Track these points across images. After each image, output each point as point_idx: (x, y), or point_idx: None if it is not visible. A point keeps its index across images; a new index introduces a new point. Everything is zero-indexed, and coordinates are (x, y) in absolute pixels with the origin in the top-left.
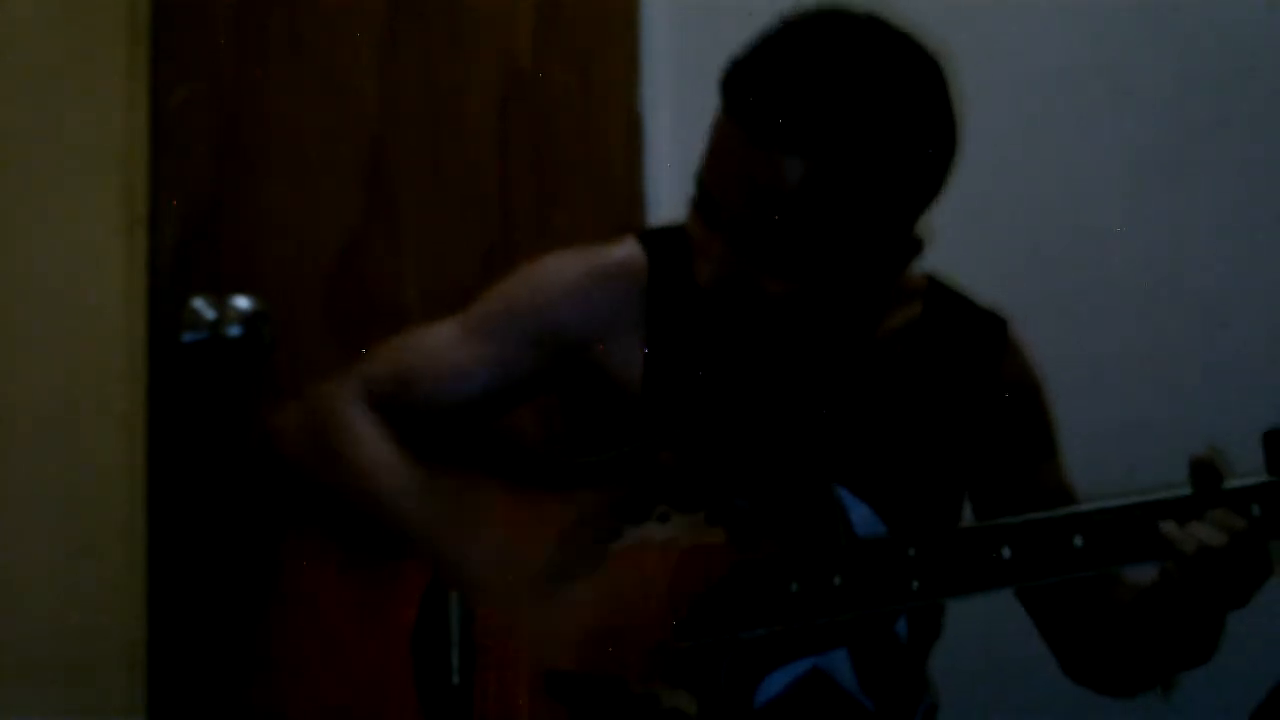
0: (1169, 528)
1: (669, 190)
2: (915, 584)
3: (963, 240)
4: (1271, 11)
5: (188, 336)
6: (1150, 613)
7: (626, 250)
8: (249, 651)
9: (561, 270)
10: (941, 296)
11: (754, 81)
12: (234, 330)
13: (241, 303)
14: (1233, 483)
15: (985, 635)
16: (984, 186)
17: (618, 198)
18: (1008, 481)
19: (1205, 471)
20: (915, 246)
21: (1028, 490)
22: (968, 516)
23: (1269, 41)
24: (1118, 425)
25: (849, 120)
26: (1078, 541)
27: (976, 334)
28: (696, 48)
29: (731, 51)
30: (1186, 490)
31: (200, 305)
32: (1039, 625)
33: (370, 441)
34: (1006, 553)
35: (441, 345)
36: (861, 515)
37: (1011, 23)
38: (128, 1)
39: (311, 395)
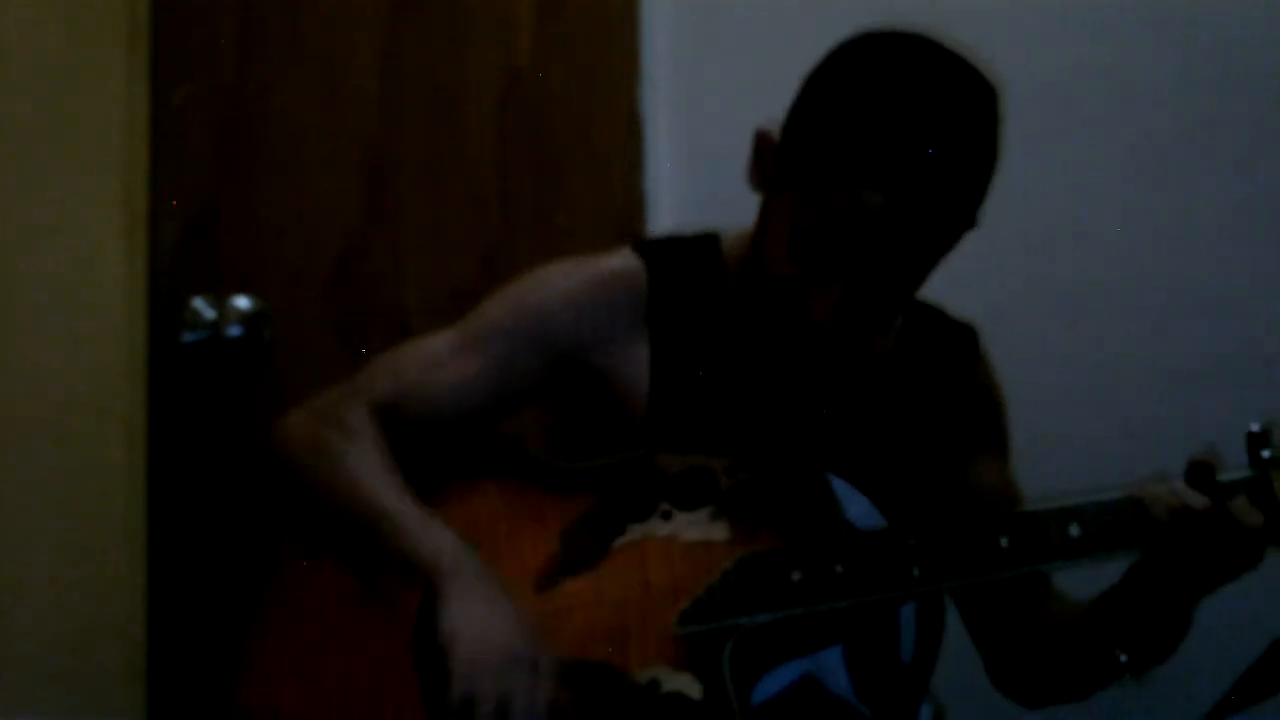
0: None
1: (669, 190)
2: (916, 571)
3: (962, 240)
4: (1271, 11)
5: (188, 336)
6: (1127, 595)
7: (623, 260)
8: (249, 651)
9: (559, 279)
10: (918, 307)
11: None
12: (234, 330)
13: (241, 303)
14: (1222, 476)
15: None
16: None
17: (618, 198)
18: (967, 477)
19: (1201, 471)
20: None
21: (984, 486)
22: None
23: (1269, 41)
24: (1117, 424)
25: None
26: (1073, 531)
27: (953, 342)
28: (696, 48)
29: (731, 51)
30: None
31: (200, 305)
32: (972, 634)
33: (370, 454)
34: (1004, 542)
35: (439, 357)
36: (861, 508)
37: (1012, 23)
38: (128, 1)
39: (314, 403)
